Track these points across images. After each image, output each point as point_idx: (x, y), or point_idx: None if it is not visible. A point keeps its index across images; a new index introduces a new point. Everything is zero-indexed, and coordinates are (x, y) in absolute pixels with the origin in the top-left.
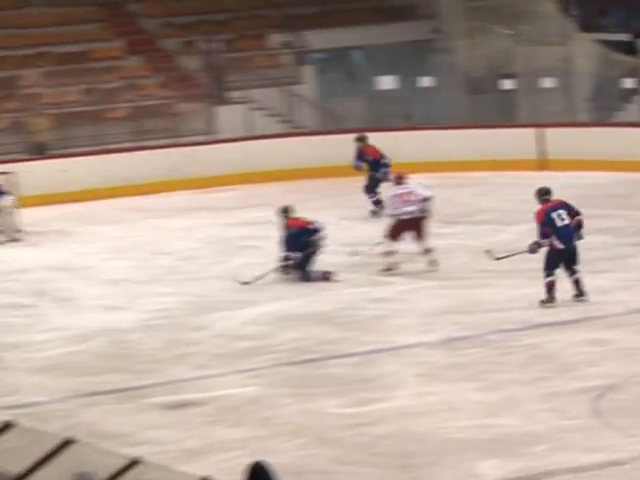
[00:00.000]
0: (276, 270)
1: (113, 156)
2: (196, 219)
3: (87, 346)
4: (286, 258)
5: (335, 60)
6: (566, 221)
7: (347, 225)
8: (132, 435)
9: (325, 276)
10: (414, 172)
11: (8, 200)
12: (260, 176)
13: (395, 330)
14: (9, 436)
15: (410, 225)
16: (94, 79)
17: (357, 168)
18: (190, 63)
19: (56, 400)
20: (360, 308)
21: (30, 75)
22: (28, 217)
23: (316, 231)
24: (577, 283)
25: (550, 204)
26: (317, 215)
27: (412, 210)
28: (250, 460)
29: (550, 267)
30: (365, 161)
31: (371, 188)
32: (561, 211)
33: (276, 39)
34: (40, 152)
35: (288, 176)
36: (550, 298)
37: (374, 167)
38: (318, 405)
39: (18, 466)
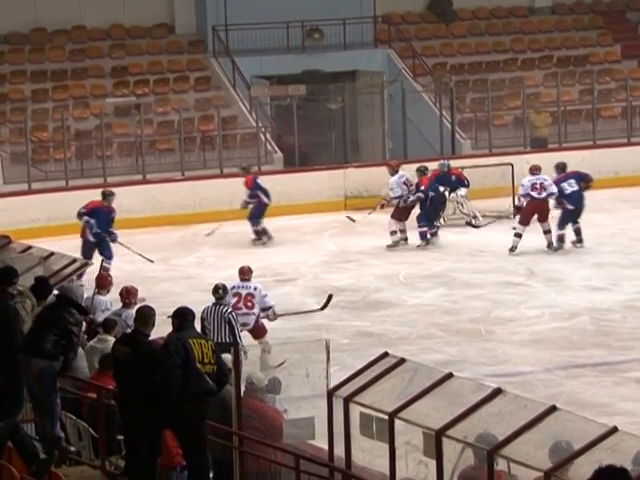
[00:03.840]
0: None
1: (606, 151)
2: None
3: (572, 323)
4: None
5: None
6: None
7: None
8: (609, 406)
9: None
10: None
11: (463, 191)
12: None
13: None
14: (499, 402)
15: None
16: (591, 80)
17: None
18: None
19: (541, 371)
20: None
21: (534, 76)
22: None
23: None
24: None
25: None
26: None
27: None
28: None
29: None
30: None
31: None
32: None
33: None
34: (540, 146)
35: None
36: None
37: None
38: None
39: (505, 429)
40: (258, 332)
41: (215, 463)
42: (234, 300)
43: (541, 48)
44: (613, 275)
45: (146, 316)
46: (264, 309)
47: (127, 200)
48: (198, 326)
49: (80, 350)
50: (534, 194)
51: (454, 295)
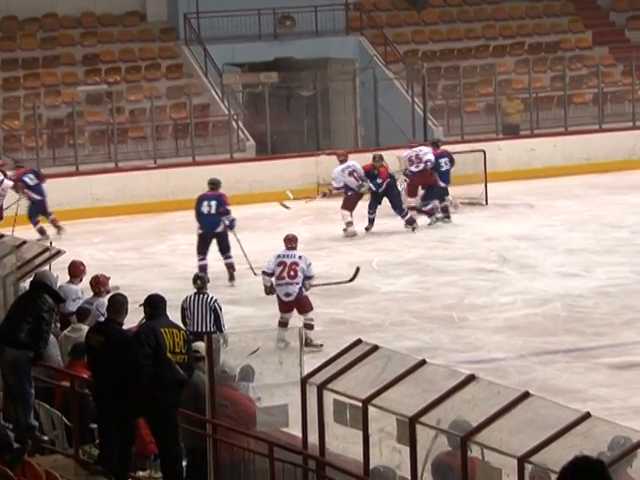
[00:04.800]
0: None
1: (578, 137)
2: None
3: (544, 309)
4: None
5: None
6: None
7: None
8: (582, 392)
9: None
10: None
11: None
12: None
13: None
14: (472, 388)
15: None
16: (562, 67)
17: None
18: None
19: (514, 357)
20: None
21: (505, 62)
22: (496, 191)
23: None
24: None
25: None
26: None
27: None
28: None
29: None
30: None
31: None
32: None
33: None
34: (512, 132)
35: None
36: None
37: None
38: None
39: (478, 416)
40: (303, 305)
41: (189, 451)
42: (278, 269)
43: (512, 35)
44: (585, 261)
45: (119, 304)
46: (307, 277)
47: (99, 188)
48: (172, 314)
49: (52, 338)
50: (412, 168)
51: (427, 282)
